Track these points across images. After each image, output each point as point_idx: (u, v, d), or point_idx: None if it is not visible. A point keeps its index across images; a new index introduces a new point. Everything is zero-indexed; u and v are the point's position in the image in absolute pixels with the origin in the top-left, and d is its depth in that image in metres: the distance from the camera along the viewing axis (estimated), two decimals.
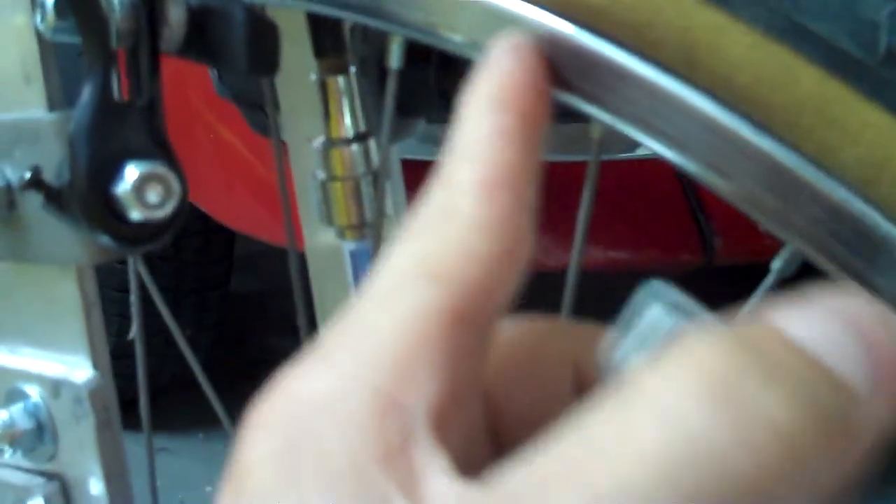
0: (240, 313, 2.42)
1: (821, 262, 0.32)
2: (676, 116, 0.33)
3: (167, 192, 0.44)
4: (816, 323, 0.22)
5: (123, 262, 0.56)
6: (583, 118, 0.37)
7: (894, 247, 0.30)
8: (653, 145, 0.34)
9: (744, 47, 0.31)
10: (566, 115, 0.33)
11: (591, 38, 0.34)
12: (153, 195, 0.43)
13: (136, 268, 0.57)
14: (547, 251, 1.42)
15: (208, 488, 1.72)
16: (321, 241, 0.57)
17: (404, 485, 0.20)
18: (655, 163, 1.40)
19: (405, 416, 0.21)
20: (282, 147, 0.53)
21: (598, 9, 0.34)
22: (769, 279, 0.35)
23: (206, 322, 1.92)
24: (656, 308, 0.23)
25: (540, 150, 0.27)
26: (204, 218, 1.83)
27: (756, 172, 0.32)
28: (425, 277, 0.23)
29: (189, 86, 1.75)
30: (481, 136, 0.26)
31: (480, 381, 0.24)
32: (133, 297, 0.57)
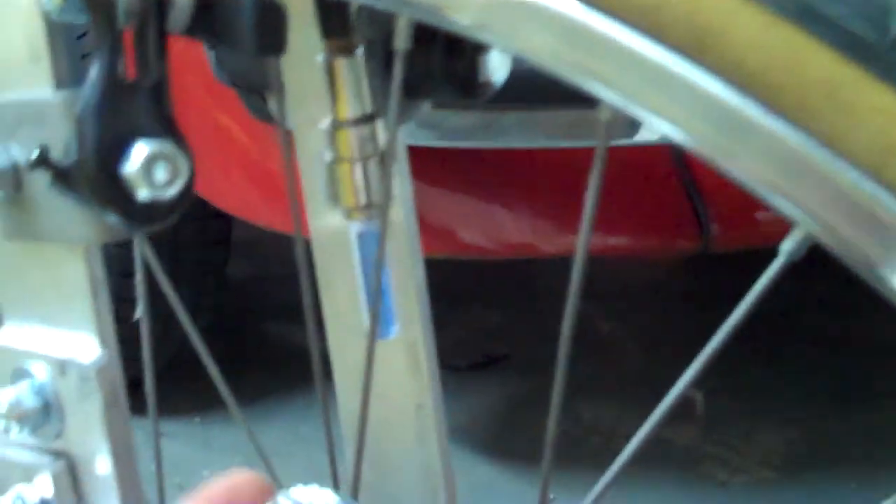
0: (237, 298, 2.42)
1: (829, 244, 0.33)
2: (686, 99, 0.33)
3: (175, 172, 0.44)
4: None
5: (124, 245, 0.56)
6: (589, 103, 0.37)
7: None
8: (662, 128, 0.34)
9: (754, 29, 0.31)
10: (572, 100, 0.33)
11: (601, 18, 0.34)
12: (161, 174, 0.44)
13: (142, 249, 0.57)
14: (547, 237, 1.42)
15: (206, 472, 1.72)
16: (326, 224, 0.57)
17: None
18: (653, 148, 1.40)
19: None
20: (288, 132, 0.53)
21: None
22: (777, 263, 0.35)
23: (202, 307, 1.92)
24: None
25: None
26: (201, 203, 1.82)
27: (766, 155, 0.32)
28: None
29: (187, 70, 1.74)
30: None
31: None
32: (138, 278, 0.57)
